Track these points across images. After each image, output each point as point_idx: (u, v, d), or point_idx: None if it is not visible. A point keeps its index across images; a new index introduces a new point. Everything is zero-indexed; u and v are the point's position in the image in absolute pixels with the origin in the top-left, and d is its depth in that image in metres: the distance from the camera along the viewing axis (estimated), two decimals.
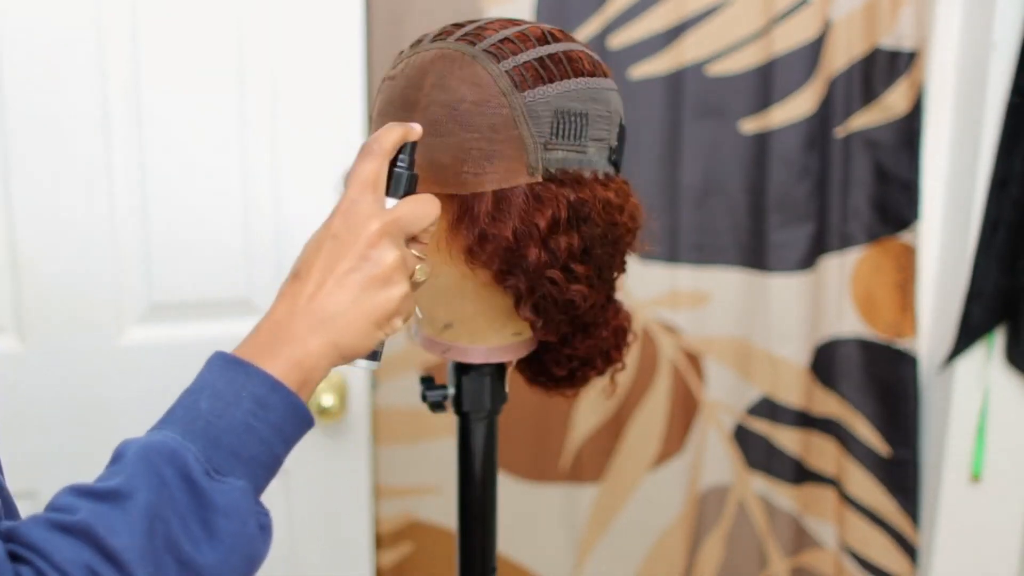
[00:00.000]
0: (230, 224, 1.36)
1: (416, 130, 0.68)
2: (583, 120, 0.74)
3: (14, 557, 0.50)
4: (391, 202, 0.67)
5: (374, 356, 0.68)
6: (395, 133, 0.67)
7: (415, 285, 0.69)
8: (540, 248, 0.73)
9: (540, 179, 0.73)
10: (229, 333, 1.43)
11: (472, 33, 0.75)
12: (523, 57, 0.73)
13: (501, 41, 0.74)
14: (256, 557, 0.57)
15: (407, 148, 0.68)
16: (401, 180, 0.67)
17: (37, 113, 1.26)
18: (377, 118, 0.77)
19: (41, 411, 1.32)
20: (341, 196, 0.65)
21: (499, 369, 0.87)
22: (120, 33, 1.28)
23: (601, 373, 0.89)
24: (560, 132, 0.73)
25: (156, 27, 1.29)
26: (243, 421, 0.57)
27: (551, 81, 0.73)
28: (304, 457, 1.44)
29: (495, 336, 0.83)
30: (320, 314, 0.62)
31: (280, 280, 1.44)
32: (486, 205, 0.72)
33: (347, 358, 0.64)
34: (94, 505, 0.52)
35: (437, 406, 0.87)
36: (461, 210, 0.73)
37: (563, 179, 0.74)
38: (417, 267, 0.68)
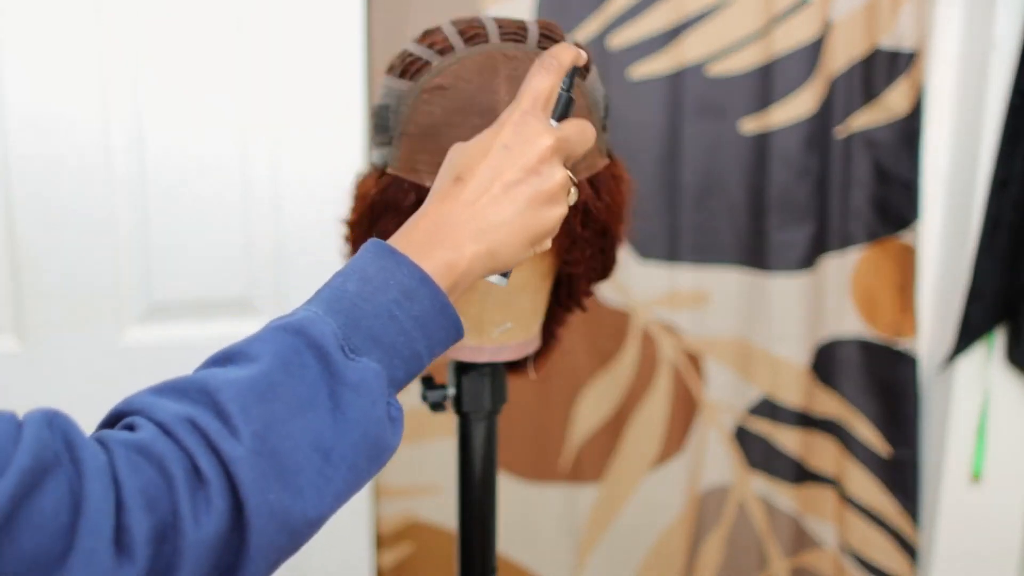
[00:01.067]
0: (230, 224, 1.36)
1: (583, 55, 0.68)
2: (609, 102, 0.80)
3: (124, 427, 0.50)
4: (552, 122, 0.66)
5: (505, 274, 0.66)
6: (571, 52, 0.66)
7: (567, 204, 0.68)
8: (621, 223, 0.79)
9: (608, 160, 0.78)
10: (229, 333, 1.44)
11: (511, 32, 0.75)
12: None
13: (542, 36, 0.76)
14: (383, 444, 0.55)
15: (571, 72, 0.67)
16: (562, 103, 0.66)
17: (37, 113, 1.27)
18: (435, 129, 0.74)
19: None
20: (512, 106, 0.64)
21: (499, 369, 0.87)
22: (120, 33, 1.28)
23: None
24: (607, 114, 0.79)
25: (156, 27, 1.29)
26: (387, 308, 0.56)
27: (588, 68, 0.77)
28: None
29: (536, 325, 0.84)
30: (482, 221, 0.60)
31: (280, 280, 1.44)
32: (587, 191, 0.75)
33: (497, 269, 0.63)
34: (213, 365, 0.52)
35: (437, 406, 0.87)
36: None
37: (614, 158, 0.80)
38: (572, 189, 0.66)
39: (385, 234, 0.77)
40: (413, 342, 0.57)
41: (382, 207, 0.77)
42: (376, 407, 0.54)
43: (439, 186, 0.62)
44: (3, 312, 1.30)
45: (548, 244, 0.66)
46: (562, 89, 0.66)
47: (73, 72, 1.27)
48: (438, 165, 0.73)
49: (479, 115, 0.72)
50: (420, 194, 0.74)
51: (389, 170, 0.77)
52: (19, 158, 1.27)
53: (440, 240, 0.59)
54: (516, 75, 0.72)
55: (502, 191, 0.61)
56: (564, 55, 0.65)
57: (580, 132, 0.65)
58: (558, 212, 0.63)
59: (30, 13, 1.24)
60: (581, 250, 0.78)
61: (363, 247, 0.59)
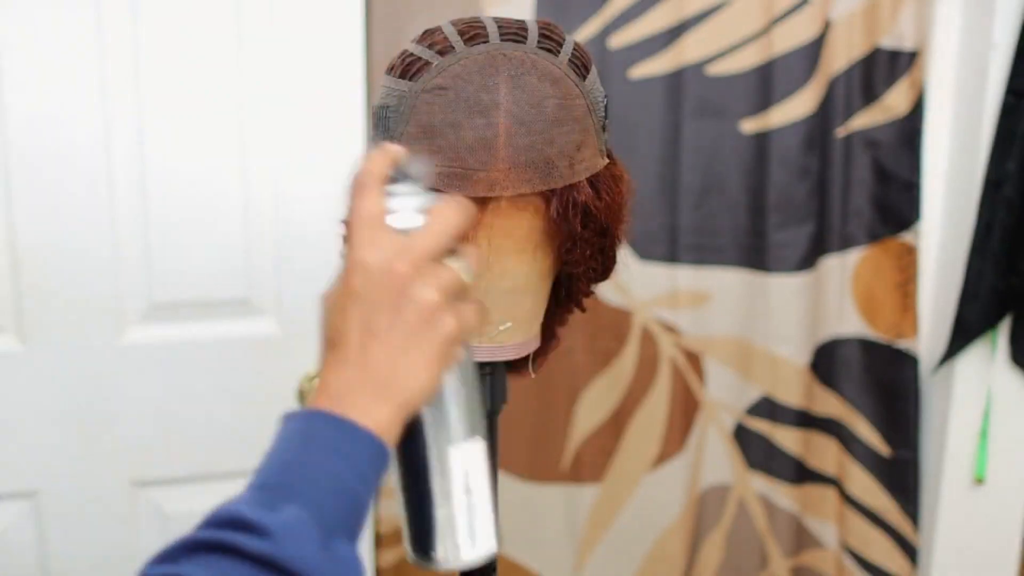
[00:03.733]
0: (230, 224, 1.36)
1: (393, 149, 0.63)
2: (609, 101, 0.80)
3: None
4: (406, 220, 0.59)
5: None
6: (379, 159, 0.61)
7: (464, 293, 0.62)
8: (621, 223, 0.79)
9: (607, 160, 0.78)
10: (229, 333, 1.44)
11: (511, 32, 0.75)
12: (567, 49, 0.76)
13: (541, 36, 0.76)
14: None
15: (404, 165, 0.62)
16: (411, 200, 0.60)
17: (37, 113, 1.27)
18: (434, 129, 0.73)
19: (41, 411, 1.32)
20: (346, 247, 0.59)
21: (500, 369, 0.87)
22: (120, 34, 1.28)
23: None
24: (606, 114, 0.79)
25: (156, 27, 1.29)
26: (282, 458, 0.55)
27: (589, 68, 0.77)
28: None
29: (536, 325, 0.84)
30: (377, 379, 0.57)
31: (280, 280, 1.43)
32: (587, 191, 0.75)
33: (418, 407, 0.60)
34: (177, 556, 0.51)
35: None
36: (562, 203, 0.75)
37: (613, 158, 0.80)
38: (461, 274, 0.61)
39: None
40: (333, 474, 0.54)
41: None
42: (304, 548, 0.52)
43: (322, 354, 0.60)
44: (3, 312, 1.30)
45: (462, 350, 0.63)
46: (404, 189, 0.60)
47: (73, 72, 1.27)
48: (438, 165, 0.73)
49: (480, 114, 0.72)
50: None
51: None
52: (19, 158, 1.27)
53: (345, 411, 0.56)
54: (516, 74, 0.72)
55: (376, 343, 0.57)
56: (373, 165, 0.60)
57: (439, 224, 0.59)
58: (448, 323, 0.58)
59: (30, 15, 1.24)
60: (581, 250, 0.78)
61: (279, 425, 0.59)
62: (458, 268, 0.61)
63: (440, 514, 0.61)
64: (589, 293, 0.86)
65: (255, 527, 0.51)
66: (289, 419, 0.58)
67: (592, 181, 0.76)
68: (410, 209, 0.59)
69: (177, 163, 1.33)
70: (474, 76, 0.73)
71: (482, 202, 0.74)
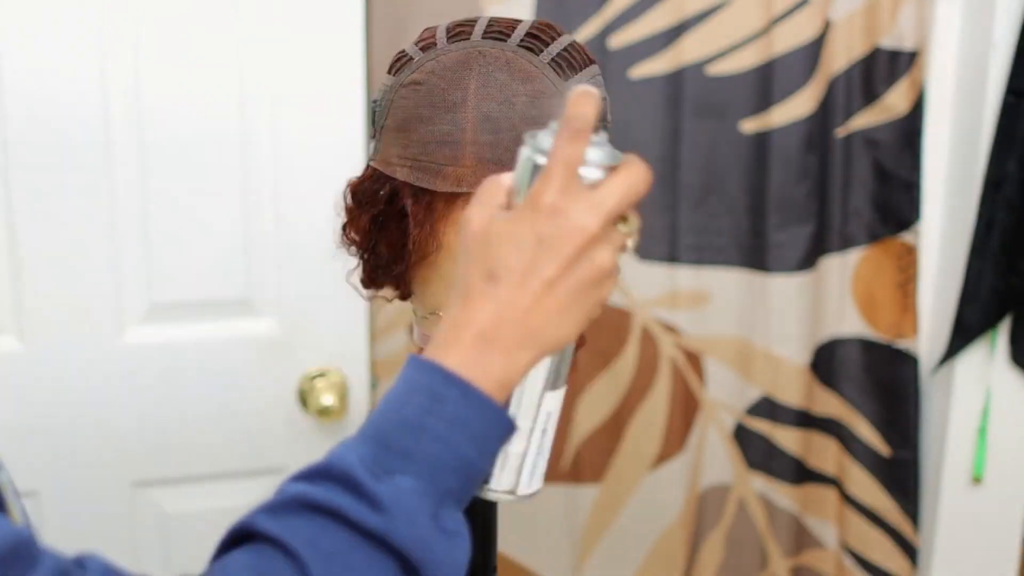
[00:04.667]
0: (230, 224, 1.36)
1: (597, 92, 0.59)
2: (606, 104, 0.78)
3: None
4: (593, 172, 0.57)
5: (558, 386, 0.64)
6: (593, 103, 0.57)
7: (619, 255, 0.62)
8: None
9: None
10: (229, 333, 1.44)
11: (494, 30, 0.76)
12: (554, 48, 0.76)
13: (527, 35, 0.76)
14: (435, 562, 0.52)
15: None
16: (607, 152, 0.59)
17: (37, 113, 1.27)
18: (407, 123, 0.75)
19: (41, 411, 1.32)
20: (540, 180, 0.56)
21: None
22: (121, 34, 1.28)
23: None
24: (605, 115, 0.77)
25: (156, 27, 1.29)
26: (413, 419, 0.54)
27: (581, 68, 0.76)
28: (304, 457, 1.44)
29: None
30: (531, 326, 0.56)
31: (280, 280, 1.43)
32: None
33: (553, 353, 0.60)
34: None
35: None
36: None
37: None
38: (628, 241, 0.60)
39: (367, 228, 0.78)
40: (454, 447, 0.53)
41: (360, 199, 0.79)
42: (415, 527, 0.51)
43: (469, 283, 0.57)
44: (3, 312, 1.30)
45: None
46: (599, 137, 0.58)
47: (73, 72, 1.27)
48: (408, 158, 0.74)
49: (448, 110, 0.73)
50: (393, 186, 0.76)
51: (370, 163, 0.79)
52: (19, 158, 1.27)
53: (488, 350, 0.55)
54: (487, 72, 0.73)
55: (543, 290, 0.55)
56: (588, 110, 0.56)
57: (629, 185, 0.58)
58: (608, 288, 0.58)
59: (32, 15, 1.24)
60: None
61: (404, 367, 0.57)
62: (626, 232, 0.60)
63: (514, 449, 0.61)
64: None
65: (368, 496, 0.51)
66: (420, 368, 0.55)
67: None
68: (597, 162, 0.58)
69: (177, 163, 1.33)
70: (446, 72, 0.74)
71: (452, 197, 0.75)
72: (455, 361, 0.55)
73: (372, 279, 0.83)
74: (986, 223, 1.51)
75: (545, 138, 0.58)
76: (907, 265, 1.61)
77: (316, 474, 0.53)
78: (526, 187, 0.58)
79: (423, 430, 0.53)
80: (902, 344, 1.62)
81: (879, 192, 1.60)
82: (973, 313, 1.54)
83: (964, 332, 1.55)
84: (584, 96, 0.56)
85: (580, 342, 0.92)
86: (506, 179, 0.60)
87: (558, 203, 0.55)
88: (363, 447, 0.53)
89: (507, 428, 0.56)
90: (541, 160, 0.58)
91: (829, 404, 1.65)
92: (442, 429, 0.53)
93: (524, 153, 0.59)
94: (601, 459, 1.63)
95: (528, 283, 0.55)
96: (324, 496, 0.52)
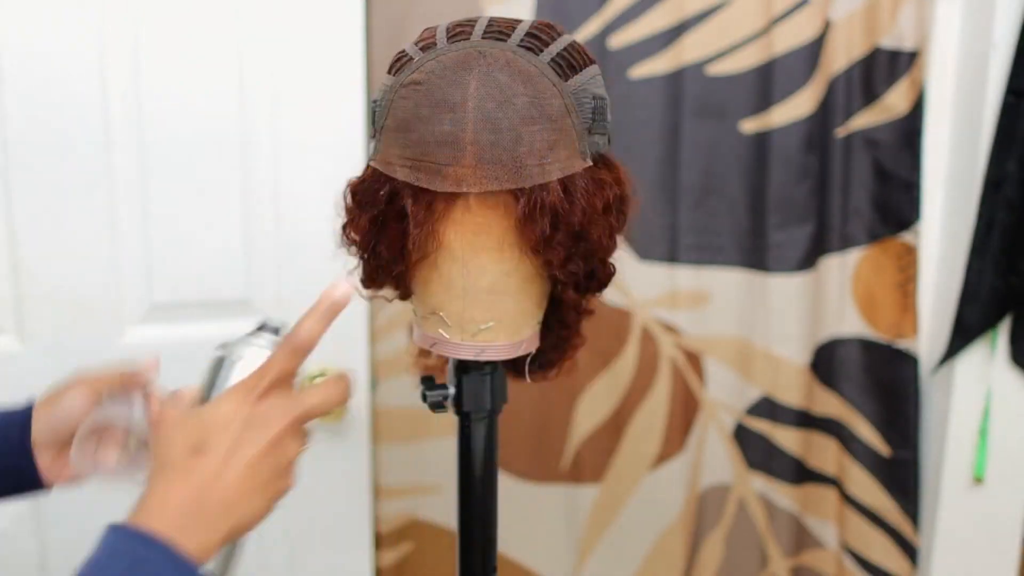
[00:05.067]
0: (230, 224, 1.36)
1: (337, 300, 0.68)
2: (606, 104, 0.78)
3: None
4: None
5: None
6: (316, 333, 0.67)
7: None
8: (601, 230, 0.78)
9: (590, 163, 0.77)
10: (229, 333, 1.44)
11: (494, 30, 0.76)
12: (554, 48, 0.75)
13: (527, 35, 0.76)
14: None
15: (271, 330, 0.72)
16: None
17: (37, 114, 1.27)
18: (407, 123, 0.75)
19: None
20: (255, 374, 0.65)
21: (499, 369, 0.87)
22: (121, 35, 1.28)
23: (577, 349, 0.92)
24: (596, 117, 0.77)
25: (157, 27, 1.29)
26: None
27: (580, 69, 0.76)
28: (304, 457, 1.44)
29: (526, 328, 0.83)
30: (230, 500, 0.62)
31: (280, 280, 1.43)
32: (557, 193, 0.74)
33: (238, 537, 0.65)
34: None
35: (437, 406, 0.87)
36: (530, 203, 0.74)
37: (603, 162, 0.79)
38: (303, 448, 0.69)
39: (367, 228, 0.79)
40: None
41: (360, 199, 0.79)
42: None
43: (175, 457, 0.62)
44: (3, 312, 1.30)
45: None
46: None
47: (73, 73, 1.27)
48: (408, 159, 0.74)
49: (449, 110, 0.72)
50: (393, 186, 0.76)
51: (370, 163, 0.79)
52: (20, 158, 1.27)
53: (195, 520, 0.60)
54: (488, 72, 0.73)
55: (245, 468, 0.62)
56: (312, 338, 0.66)
57: (327, 396, 0.68)
58: (292, 479, 0.66)
59: (32, 16, 1.24)
60: (555, 253, 0.76)
61: (102, 534, 0.60)
62: (304, 440, 0.69)
63: None
64: (579, 301, 0.84)
65: None
66: (122, 536, 0.59)
67: (566, 183, 0.74)
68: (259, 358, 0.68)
69: (178, 163, 1.33)
70: (447, 72, 0.73)
71: (452, 198, 0.75)
72: (159, 527, 0.59)
73: (372, 279, 0.83)
74: (986, 223, 1.51)
75: (239, 347, 0.70)
76: (907, 265, 1.61)
77: None
78: (220, 385, 0.68)
79: None
80: (902, 344, 1.62)
81: (879, 192, 1.60)
82: (973, 313, 1.54)
83: (964, 332, 1.55)
84: (310, 329, 0.66)
85: (580, 342, 0.92)
86: (186, 393, 0.68)
87: (269, 393, 0.64)
88: None
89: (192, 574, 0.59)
90: (239, 362, 0.68)
91: (829, 404, 1.65)
92: None
93: (219, 355, 0.69)
94: (601, 458, 1.63)
95: (230, 459, 0.62)
96: None
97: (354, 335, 1.43)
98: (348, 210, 0.81)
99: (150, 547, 0.57)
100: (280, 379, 0.65)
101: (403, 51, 0.78)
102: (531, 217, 0.73)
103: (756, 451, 1.66)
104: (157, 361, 0.80)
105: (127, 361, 0.81)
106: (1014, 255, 1.51)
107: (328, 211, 0.85)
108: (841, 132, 1.57)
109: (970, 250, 1.53)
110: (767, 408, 1.65)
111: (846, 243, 1.61)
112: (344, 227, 0.82)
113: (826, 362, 1.64)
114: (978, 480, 1.62)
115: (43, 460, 0.80)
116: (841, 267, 1.61)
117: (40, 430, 0.79)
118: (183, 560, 0.58)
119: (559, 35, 0.77)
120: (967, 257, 1.53)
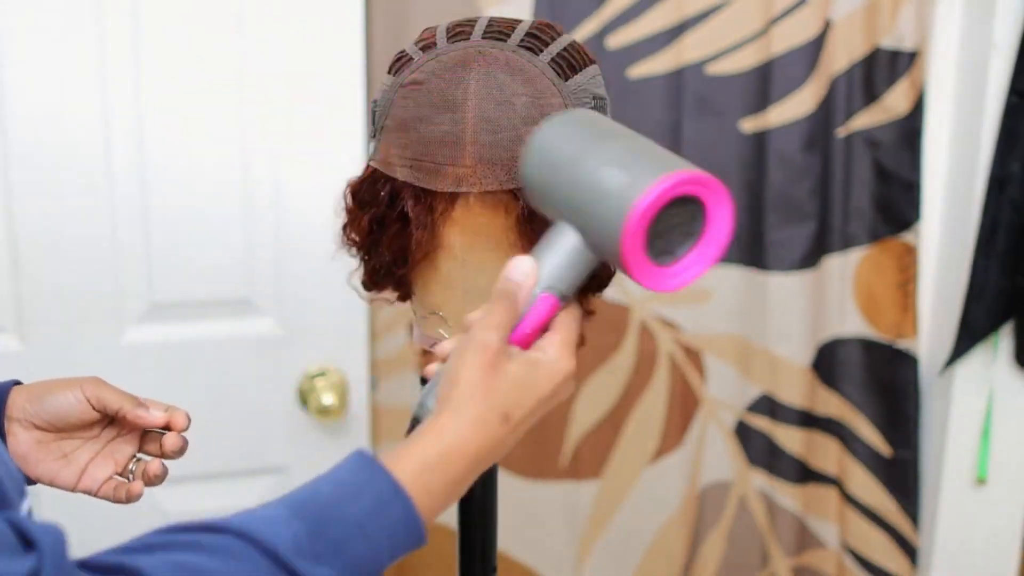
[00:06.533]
0: (230, 224, 1.36)
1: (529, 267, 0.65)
2: (606, 104, 0.78)
3: None
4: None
5: None
6: (529, 269, 0.64)
7: None
8: None
9: None
10: (229, 333, 1.44)
11: (494, 30, 0.76)
12: (554, 48, 0.75)
13: (527, 35, 0.75)
14: None
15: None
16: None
17: (37, 114, 1.27)
18: (407, 123, 0.75)
19: None
20: (568, 355, 0.64)
21: None
22: (121, 35, 1.28)
23: None
24: None
25: (157, 28, 1.29)
26: (357, 518, 0.55)
27: (580, 69, 0.76)
28: (304, 456, 1.45)
29: None
30: (498, 453, 0.62)
31: (280, 280, 1.43)
32: None
33: None
34: (173, 549, 0.51)
35: None
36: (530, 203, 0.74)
37: None
38: None
39: (367, 229, 0.78)
40: (378, 553, 0.56)
41: (361, 199, 0.79)
42: None
43: (485, 416, 0.60)
44: (4, 312, 1.30)
45: None
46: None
47: (73, 72, 1.27)
48: (408, 158, 0.74)
49: (449, 110, 0.72)
50: (393, 186, 0.76)
51: (370, 163, 0.79)
52: (20, 158, 1.27)
53: (442, 475, 0.59)
54: (487, 72, 0.73)
55: (522, 433, 0.63)
56: (528, 279, 0.64)
57: (576, 326, 0.67)
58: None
59: (30, 13, 1.24)
60: None
61: (348, 457, 0.58)
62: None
63: None
64: (581, 299, 0.85)
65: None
66: (374, 472, 0.57)
67: None
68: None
69: (178, 163, 1.33)
70: (446, 73, 0.73)
71: (452, 197, 0.75)
72: (409, 469, 0.57)
73: (374, 281, 0.83)
74: (991, 223, 1.51)
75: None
76: (907, 265, 1.61)
77: (246, 534, 0.53)
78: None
79: (361, 531, 0.55)
80: (902, 344, 1.62)
81: (879, 192, 1.60)
82: (979, 313, 1.54)
83: (970, 333, 1.55)
84: (519, 269, 0.64)
85: (580, 342, 0.92)
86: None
87: (561, 372, 0.64)
88: (297, 525, 0.54)
89: (419, 546, 0.59)
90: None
91: (830, 404, 1.65)
92: (376, 535, 0.55)
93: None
94: (600, 455, 1.63)
95: (520, 428, 0.62)
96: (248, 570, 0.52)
97: (354, 334, 1.43)
98: (348, 210, 0.81)
99: (396, 496, 0.56)
100: (569, 348, 0.65)
101: (403, 51, 0.78)
102: (531, 217, 0.73)
103: (757, 448, 1.67)
104: (184, 421, 0.79)
105: (149, 401, 0.80)
106: (1020, 255, 1.51)
107: (328, 211, 0.85)
108: (842, 132, 1.57)
109: (975, 250, 1.52)
110: (767, 406, 1.65)
111: (847, 243, 1.61)
112: (344, 227, 0.82)
113: (827, 362, 1.64)
114: (981, 481, 1.62)
115: (13, 436, 0.77)
116: (842, 267, 1.61)
117: (22, 407, 0.76)
118: (418, 521, 0.57)
119: (559, 35, 0.78)
120: (972, 257, 1.53)
